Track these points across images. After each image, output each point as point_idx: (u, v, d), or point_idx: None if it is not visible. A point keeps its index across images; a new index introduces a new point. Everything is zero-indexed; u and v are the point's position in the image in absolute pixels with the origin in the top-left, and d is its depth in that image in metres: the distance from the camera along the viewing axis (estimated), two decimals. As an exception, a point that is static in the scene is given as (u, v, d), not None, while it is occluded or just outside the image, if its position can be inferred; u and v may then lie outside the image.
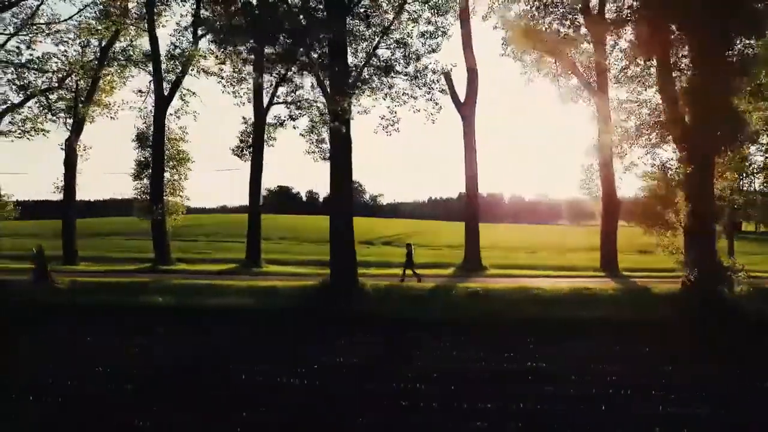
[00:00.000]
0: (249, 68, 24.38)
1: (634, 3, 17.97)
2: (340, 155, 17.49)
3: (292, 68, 17.60)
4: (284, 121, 18.64)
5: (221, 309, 15.80)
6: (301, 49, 16.42)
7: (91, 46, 27.58)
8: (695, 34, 14.79)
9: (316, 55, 16.99)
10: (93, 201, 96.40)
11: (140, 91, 25.90)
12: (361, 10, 17.16)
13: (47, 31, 26.76)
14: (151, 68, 25.37)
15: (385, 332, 13.80)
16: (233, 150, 25.26)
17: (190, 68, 25.53)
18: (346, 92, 16.85)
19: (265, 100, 24.84)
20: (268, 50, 17.27)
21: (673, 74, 17.14)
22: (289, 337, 13.50)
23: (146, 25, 25.17)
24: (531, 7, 24.02)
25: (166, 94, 25.31)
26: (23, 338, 13.25)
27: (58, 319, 14.89)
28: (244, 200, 39.22)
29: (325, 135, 19.04)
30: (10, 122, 27.36)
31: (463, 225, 25.50)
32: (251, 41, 16.08)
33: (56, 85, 27.97)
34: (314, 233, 51.09)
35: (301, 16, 16.63)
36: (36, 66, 26.80)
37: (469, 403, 8.71)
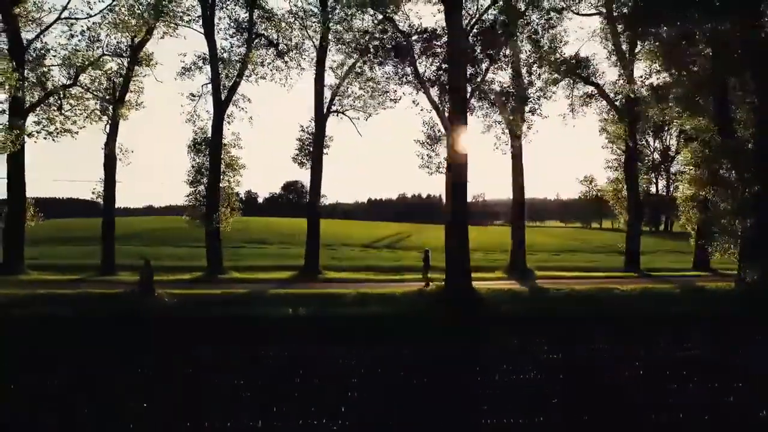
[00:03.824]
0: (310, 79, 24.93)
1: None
2: (456, 168, 18.77)
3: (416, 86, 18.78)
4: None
5: (369, 317, 16.46)
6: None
7: (102, 42, 26.09)
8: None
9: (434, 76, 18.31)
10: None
11: (192, 95, 25.15)
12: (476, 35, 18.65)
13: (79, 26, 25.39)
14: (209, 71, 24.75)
15: (539, 330, 15.46)
16: (293, 158, 25.46)
17: (247, 74, 25.30)
18: (464, 110, 18.29)
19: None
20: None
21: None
22: (478, 341, 14.75)
23: (203, 28, 24.56)
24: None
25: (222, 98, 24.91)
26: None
27: (232, 335, 14.68)
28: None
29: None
30: (34, 122, 25.44)
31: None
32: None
33: (70, 82, 26.27)
34: (277, 236, 48.81)
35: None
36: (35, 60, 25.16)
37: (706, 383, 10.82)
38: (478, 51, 18.52)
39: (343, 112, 26.46)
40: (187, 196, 24.91)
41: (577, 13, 27.18)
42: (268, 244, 41.84)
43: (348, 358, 12.71)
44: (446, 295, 18.81)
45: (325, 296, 18.96)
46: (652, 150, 68.05)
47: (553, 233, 64.08)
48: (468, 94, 19.18)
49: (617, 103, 27.47)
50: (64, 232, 41.74)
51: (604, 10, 27.32)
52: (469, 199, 21.56)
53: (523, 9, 18.92)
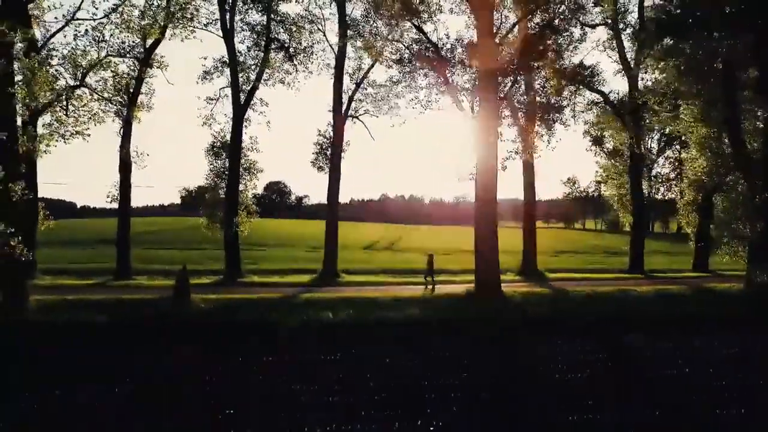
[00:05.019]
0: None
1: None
2: (485, 174, 19.38)
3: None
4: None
5: (413, 320, 16.82)
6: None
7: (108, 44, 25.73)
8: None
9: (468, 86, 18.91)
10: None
11: (209, 98, 25.10)
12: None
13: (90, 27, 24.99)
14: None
15: (571, 331, 16.14)
16: (312, 162, 25.65)
17: (266, 78, 25.41)
18: (495, 118, 18.95)
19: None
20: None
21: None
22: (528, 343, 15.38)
23: (221, 32, 24.55)
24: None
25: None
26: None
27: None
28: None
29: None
30: (46, 124, 24.94)
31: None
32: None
33: (77, 83, 25.90)
34: (274, 237, 48.94)
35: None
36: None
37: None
38: (510, 60, 19.12)
39: (358, 117, 26.93)
40: (206, 200, 24.81)
41: (585, 25, 28.21)
42: (267, 246, 41.69)
43: (408, 359, 13.17)
44: (477, 297, 19.35)
45: (359, 300, 19.18)
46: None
47: (541, 234, 65.30)
48: (497, 103, 19.79)
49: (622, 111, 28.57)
50: (60, 234, 40.63)
51: (610, 21, 28.48)
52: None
53: (555, 23, 19.67)
